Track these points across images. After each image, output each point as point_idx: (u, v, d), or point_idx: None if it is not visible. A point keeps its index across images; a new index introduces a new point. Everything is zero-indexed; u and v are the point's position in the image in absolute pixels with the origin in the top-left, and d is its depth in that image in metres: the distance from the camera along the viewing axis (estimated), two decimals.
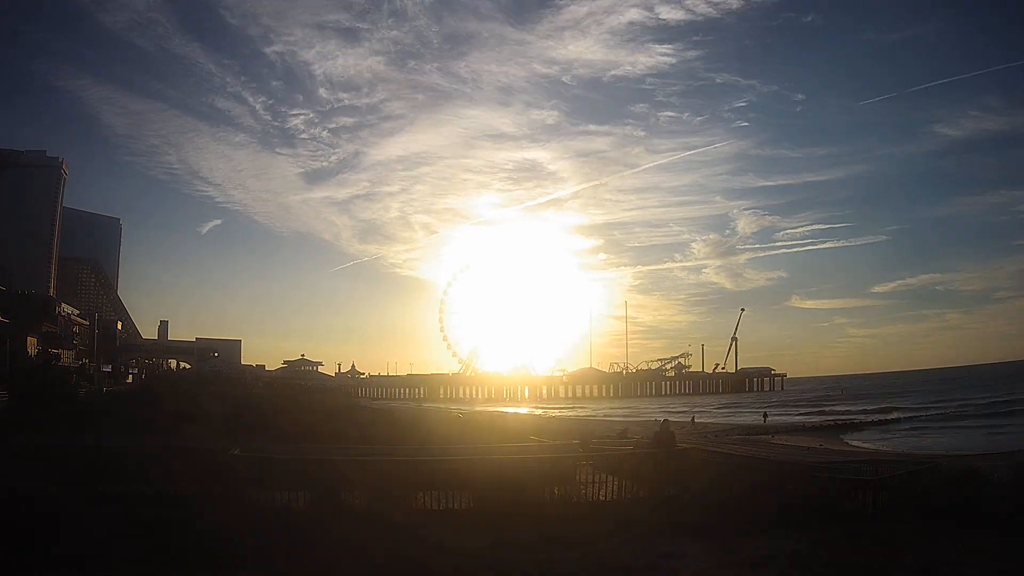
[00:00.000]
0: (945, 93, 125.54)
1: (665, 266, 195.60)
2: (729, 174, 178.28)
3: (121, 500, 11.79)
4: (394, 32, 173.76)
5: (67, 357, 71.03)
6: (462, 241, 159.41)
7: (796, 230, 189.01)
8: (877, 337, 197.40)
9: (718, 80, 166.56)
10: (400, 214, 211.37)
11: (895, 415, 71.69)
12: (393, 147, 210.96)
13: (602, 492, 13.39)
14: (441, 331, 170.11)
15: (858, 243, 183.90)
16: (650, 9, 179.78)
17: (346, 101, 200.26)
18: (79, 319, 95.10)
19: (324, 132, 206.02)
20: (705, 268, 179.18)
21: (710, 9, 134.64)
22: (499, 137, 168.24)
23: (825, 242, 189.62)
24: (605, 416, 79.41)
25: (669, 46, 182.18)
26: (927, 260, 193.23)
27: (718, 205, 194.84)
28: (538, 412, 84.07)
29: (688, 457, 15.17)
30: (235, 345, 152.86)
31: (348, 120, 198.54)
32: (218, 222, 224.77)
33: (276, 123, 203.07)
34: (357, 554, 9.67)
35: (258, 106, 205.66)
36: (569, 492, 13.17)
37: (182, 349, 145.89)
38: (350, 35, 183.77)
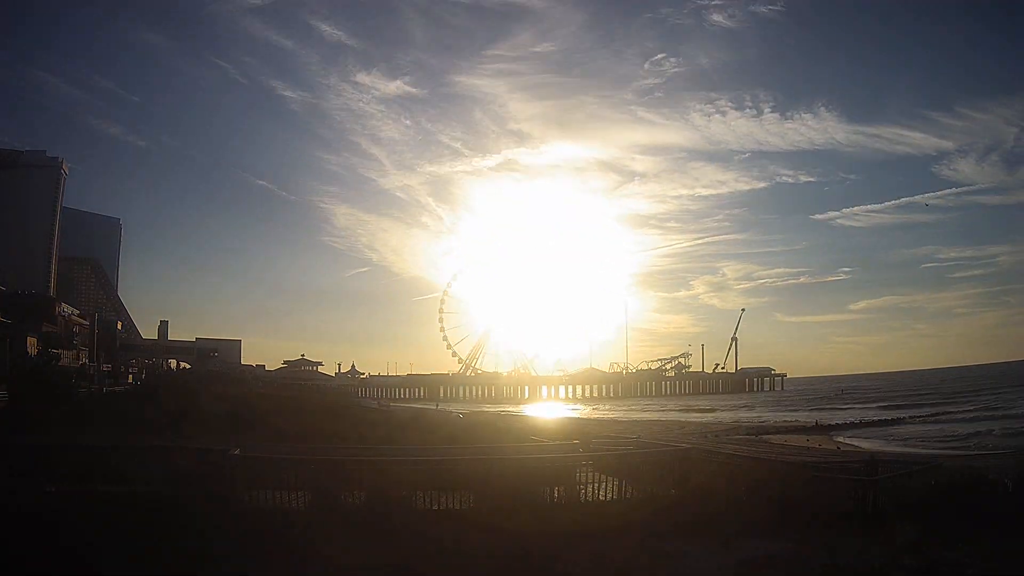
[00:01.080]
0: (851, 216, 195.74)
1: (674, 295, 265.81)
2: (716, 247, 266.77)
3: (121, 500, 11.80)
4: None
5: (67, 357, 70.97)
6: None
7: (772, 271, 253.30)
8: (860, 344, 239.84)
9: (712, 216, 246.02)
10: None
11: (895, 415, 71.68)
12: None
13: (602, 492, 13.39)
14: (441, 331, 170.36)
15: (823, 280, 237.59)
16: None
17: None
18: (79, 319, 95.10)
19: (479, 233, 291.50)
20: (701, 296, 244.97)
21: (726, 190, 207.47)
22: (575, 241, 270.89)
23: (798, 278, 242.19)
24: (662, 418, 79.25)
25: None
26: (884, 289, 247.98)
27: (710, 263, 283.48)
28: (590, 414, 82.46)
29: (688, 457, 15.17)
30: (235, 345, 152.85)
31: (501, 231, 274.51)
32: (364, 269, 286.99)
33: (455, 231, 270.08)
34: (357, 554, 9.67)
35: (447, 222, 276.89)
36: (569, 492, 13.17)
37: (182, 349, 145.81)
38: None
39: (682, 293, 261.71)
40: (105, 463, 13.96)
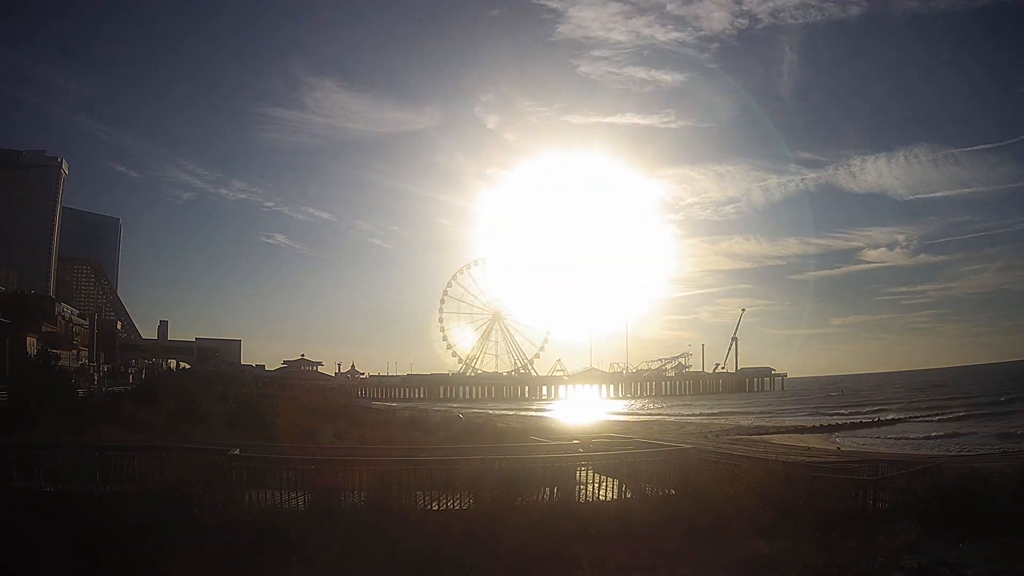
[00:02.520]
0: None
1: (684, 317, 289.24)
2: (715, 292, 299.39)
3: (120, 500, 11.79)
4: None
5: (67, 357, 71.00)
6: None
7: (760, 301, 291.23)
8: (842, 351, 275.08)
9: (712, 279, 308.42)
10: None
11: (895, 415, 71.65)
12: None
13: (602, 492, 13.39)
14: (441, 331, 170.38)
15: (802, 307, 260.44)
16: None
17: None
18: (79, 319, 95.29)
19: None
20: (703, 318, 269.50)
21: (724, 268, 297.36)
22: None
23: (782, 303, 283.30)
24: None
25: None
26: (854, 309, 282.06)
27: (711, 300, 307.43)
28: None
29: (688, 457, 15.17)
30: (235, 345, 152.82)
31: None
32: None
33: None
34: (357, 555, 9.67)
35: None
36: (569, 493, 13.16)
37: (182, 349, 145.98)
38: None
39: (687, 317, 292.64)
40: (104, 463, 13.95)
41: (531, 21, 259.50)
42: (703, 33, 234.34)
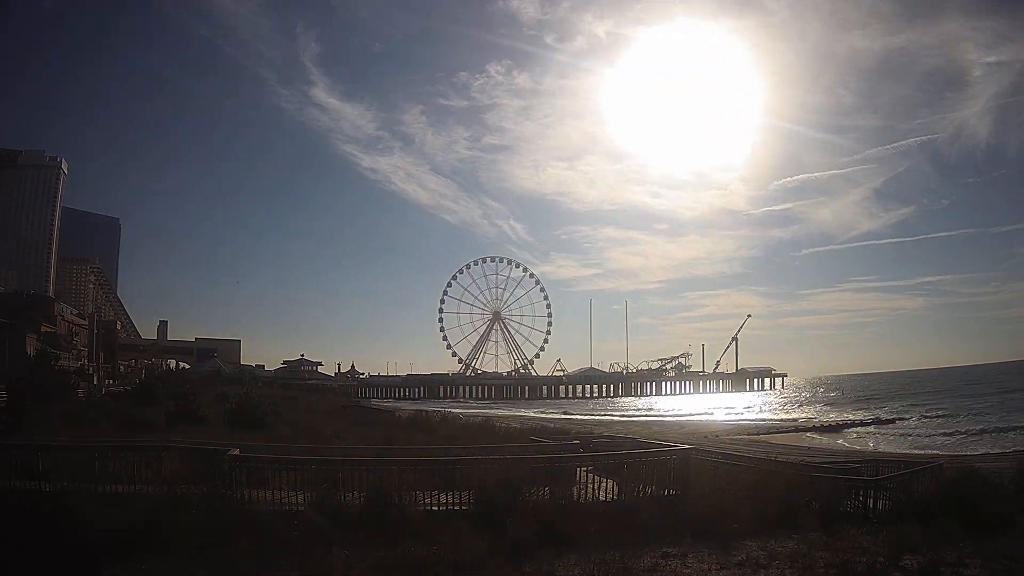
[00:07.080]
0: None
1: (691, 325, 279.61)
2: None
3: (119, 500, 11.78)
4: None
5: (66, 357, 70.96)
6: None
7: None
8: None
9: None
10: None
11: (896, 415, 71.62)
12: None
13: (602, 493, 13.37)
14: (440, 331, 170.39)
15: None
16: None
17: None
18: (78, 319, 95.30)
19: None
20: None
21: None
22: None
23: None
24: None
25: None
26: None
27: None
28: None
29: (688, 457, 15.16)
30: (235, 345, 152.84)
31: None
32: None
33: None
34: (356, 556, 9.66)
35: None
36: (569, 493, 13.15)
37: (181, 349, 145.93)
38: None
39: (700, 321, 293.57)
40: (104, 463, 13.94)
41: None
42: None
